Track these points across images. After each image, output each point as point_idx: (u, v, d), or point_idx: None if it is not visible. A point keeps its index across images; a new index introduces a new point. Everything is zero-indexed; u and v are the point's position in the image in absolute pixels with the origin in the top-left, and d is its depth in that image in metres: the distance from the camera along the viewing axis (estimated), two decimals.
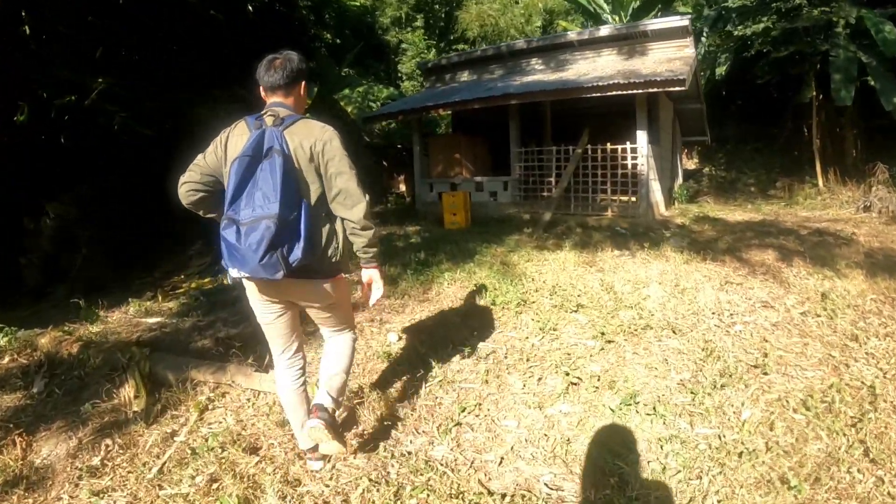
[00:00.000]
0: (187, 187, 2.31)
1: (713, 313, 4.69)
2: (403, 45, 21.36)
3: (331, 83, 14.45)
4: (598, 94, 8.63)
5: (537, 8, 18.49)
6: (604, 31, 10.30)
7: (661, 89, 8.26)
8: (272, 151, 2.13)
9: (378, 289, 2.51)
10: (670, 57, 9.73)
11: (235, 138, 2.26)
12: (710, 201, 12.54)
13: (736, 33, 10.96)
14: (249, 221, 2.07)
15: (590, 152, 9.34)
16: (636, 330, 4.36)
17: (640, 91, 8.36)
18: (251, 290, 2.37)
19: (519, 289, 5.48)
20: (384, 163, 15.12)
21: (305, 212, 2.15)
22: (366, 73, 18.90)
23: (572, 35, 10.52)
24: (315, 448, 2.54)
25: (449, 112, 12.55)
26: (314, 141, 2.23)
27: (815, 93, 11.35)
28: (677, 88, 8.21)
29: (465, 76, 12.02)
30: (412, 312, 5.06)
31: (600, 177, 9.28)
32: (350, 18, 19.83)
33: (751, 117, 14.13)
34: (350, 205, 2.27)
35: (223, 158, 2.27)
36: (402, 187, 14.15)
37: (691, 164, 16.03)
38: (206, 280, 7.22)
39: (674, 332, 4.32)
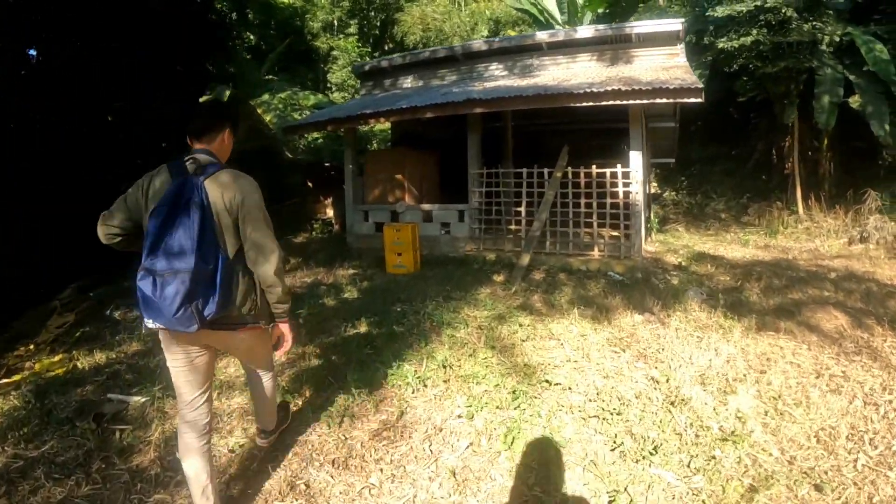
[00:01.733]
0: (107, 230, 2.22)
1: (847, 438, 2.93)
2: (335, 52, 18.77)
3: (248, 87, 11.71)
4: (586, 105, 6.53)
5: (484, 16, 16.54)
6: (581, 32, 8.28)
7: (671, 99, 6.26)
8: (191, 203, 2.04)
9: (287, 342, 2.50)
10: (662, 65, 7.84)
11: (157, 185, 2.15)
12: (681, 230, 10.85)
13: (720, 45, 9.36)
14: (165, 273, 1.99)
15: (570, 176, 7.23)
16: (758, 485, 2.55)
17: (645, 101, 6.32)
18: (167, 339, 2.23)
19: (537, 404, 3.17)
20: (309, 183, 12.44)
21: (222, 265, 2.08)
22: (292, 80, 16.20)
23: (542, 36, 8.44)
24: None
25: (388, 125, 10.19)
26: (233, 194, 2.14)
27: (795, 114, 9.93)
28: (692, 99, 6.26)
29: (408, 81, 9.67)
30: (360, 471, 2.74)
31: (584, 207, 7.17)
32: (278, 20, 17.09)
33: (716, 137, 12.67)
34: (262, 261, 2.21)
35: (144, 204, 2.16)
36: (330, 212, 11.54)
37: (650, 188, 14.46)
38: (58, 358, 4.63)
39: (816, 488, 2.53)
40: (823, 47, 9.85)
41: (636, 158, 7.06)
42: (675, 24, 7.88)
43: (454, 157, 11.03)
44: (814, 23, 9.32)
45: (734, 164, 12.41)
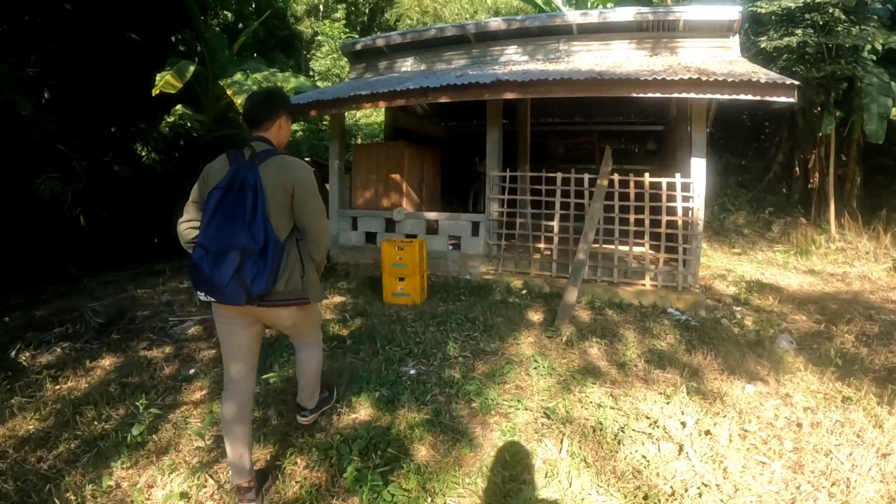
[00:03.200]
0: (187, 225, 2.29)
1: None
2: (319, 38, 16.73)
3: (219, 67, 9.70)
4: (643, 96, 4.92)
5: (485, 4, 14.82)
6: (619, 14, 6.64)
7: (758, 96, 4.66)
8: (245, 186, 2.08)
9: None
10: (714, 58, 6.32)
11: (216, 171, 2.22)
12: (704, 246, 9.44)
13: (762, 44, 7.96)
14: (218, 250, 2.05)
15: (617, 186, 5.62)
16: None
17: (726, 96, 4.72)
18: (218, 312, 2.30)
19: None
20: None
21: (272, 245, 2.10)
22: (271, 65, 14.18)
23: (572, 17, 6.77)
24: (245, 489, 2.27)
25: (377, 118, 8.38)
26: (286, 178, 2.17)
27: (834, 123, 8.58)
28: (783, 99, 4.70)
29: (408, 64, 7.87)
30: None
31: (633, 224, 5.58)
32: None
33: (729, 147, 11.30)
34: (314, 242, 2.30)
35: (205, 190, 2.20)
36: None
37: None
38: None
39: None
40: (865, 54, 8.56)
41: (698, 167, 5.47)
42: (730, 13, 6.32)
43: (456, 158, 9.32)
44: (861, 27, 8.00)
45: (750, 176, 11.06)
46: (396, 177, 6.85)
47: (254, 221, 2.04)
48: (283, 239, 2.17)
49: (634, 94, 4.96)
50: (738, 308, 5.52)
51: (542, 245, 5.89)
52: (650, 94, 4.88)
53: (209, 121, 9.89)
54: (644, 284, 5.52)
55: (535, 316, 4.81)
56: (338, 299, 5.42)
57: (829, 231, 9.05)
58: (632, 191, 5.57)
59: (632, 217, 5.55)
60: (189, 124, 9.64)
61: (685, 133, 6.92)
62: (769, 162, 10.77)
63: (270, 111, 2.29)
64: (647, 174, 5.62)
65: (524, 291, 5.48)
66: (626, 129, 8.93)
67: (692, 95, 4.84)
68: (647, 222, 5.55)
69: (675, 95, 4.85)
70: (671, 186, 5.51)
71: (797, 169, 10.25)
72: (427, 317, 4.72)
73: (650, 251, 5.74)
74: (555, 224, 5.74)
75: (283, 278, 2.16)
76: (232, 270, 2.00)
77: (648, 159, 9.49)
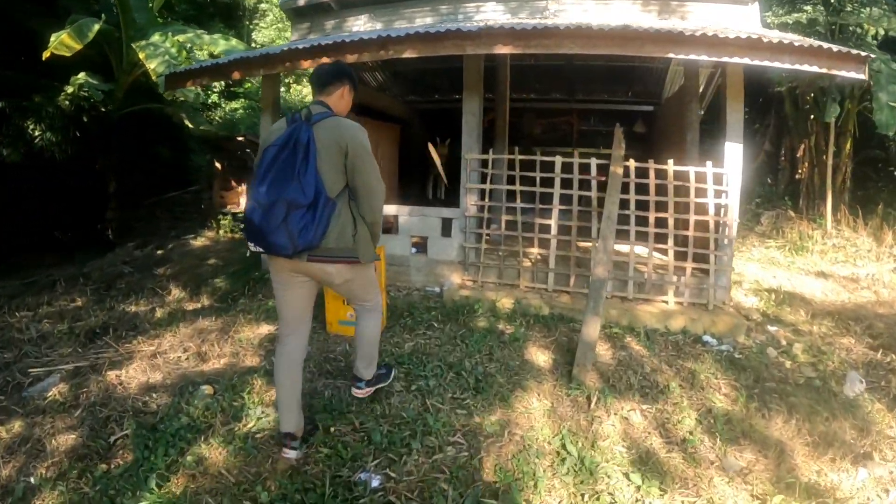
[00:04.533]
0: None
1: None
2: (263, 6, 14.51)
3: (134, 27, 7.60)
4: (692, 57, 3.53)
5: None
6: None
7: (826, 69, 3.42)
8: (299, 143, 2.05)
9: None
10: (734, 23, 4.99)
11: (275, 132, 2.19)
12: None
13: (768, 20, 6.76)
14: (268, 203, 2.02)
15: (632, 176, 4.22)
16: None
17: (786, 66, 3.38)
18: (273, 265, 2.25)
19: None
20: (217, 164, 8.58)
21: (322, 201, 2.06)
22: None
23: None
24: (291, 436, 2.26)
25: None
26: (339, 137, 2.13)
27: (838, 111, 7.51)
28: (853, 75, 3.47)
29: (360, 22, 6.13)
30: None
31: (653, 226, 4.20)
32: None
33: (710, 134, 10.19)
34: (367, 200, 2.23)
35: (265, 145, 2.18)
36: (244, 203, 7.86)
37: None
38: None
39: None
40: (869, 39, 7.53)
41: (733, 155, 4.14)
42: None
43: (414, 138, 7.71)
44: (872, 8, 6.94)
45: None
46: None
47: (304, 176, 2.01)
48: (335, 196, 2.12)
49: (672, 55, 3.54)
50: (774, 328, 4.25)
51: (534, 249, 4.40)
52: (690, 56, 3.47)
53: (122, 93, 7.79)
54: (666, 302, 4.16)
55: (541, 357, 3.32)
56: (264, 330, 3.77)
57: (824, 226, 8.05)
58: (651, 182, 4.17)
59: (651, 216, 4.16)
60: (94, 97, 7.57)
61: (683, 114, 5.64)
62: (755, 150, 9.74)
63: (336, 78, 2.27)
64: (670, 161, 4.23)
65: (516, 314, 3.99)
66: (611, 108, 7.58)
67: (744, 61, 3.46)
68: (670, 223, 4.17)
69: (726, 60, 3.45)
70: (699, 178, 4.15)
71: (784, 158, 9.24)
72: (389, 359, 3.16)
73: (666, 258, 4.38)
74: (552, 222, 4.25)
75: (332, 234, 2.11)
76: (278, 222, 1.98)
77: (633, 144, 8.18)
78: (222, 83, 12.39)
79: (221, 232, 7.76)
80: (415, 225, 4.74)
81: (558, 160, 4.29)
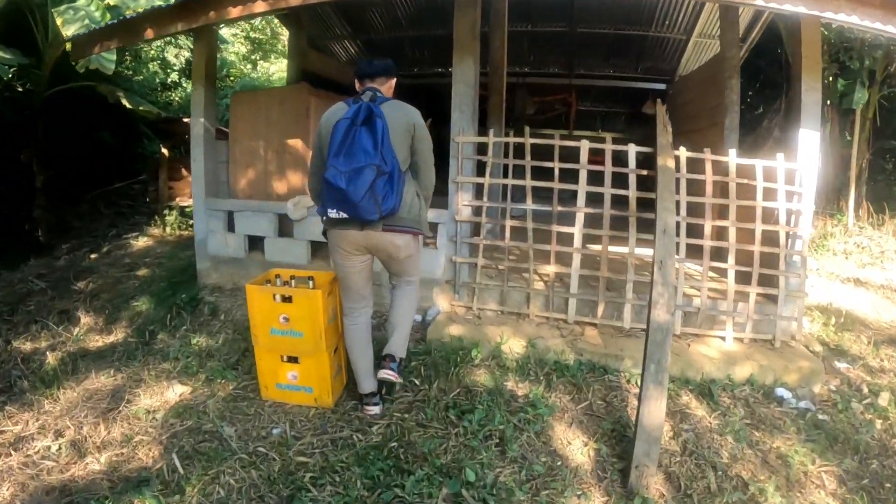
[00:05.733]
0: (315, 183, 2.28)
1: None
2: None
3: None
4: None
5: None
6: None
7: None
8: (373, 117, 2.07)
9: None
10: None
11: (334, 112, 2.19)
12: None
13: None
14: (352, 170, 2.00)
15: (684, 169, 3.06)
16: None
17: None
18: (339, 240, 2.23)
19: None
20: (164, 150, 7.11)
21: (397, 171, 2.09)
22: None
23: None
24: (372, 394, 2.37)
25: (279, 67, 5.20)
26: (405, 117, 2.18)
27: (867, 97, 6.44)
28: None
29: None
30: None
31: (711, 236, 3.03)
32: None
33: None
34: (427, 173, 2.31)
35: (326, 130, 2.17)
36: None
37: None
38: None
39: None
40: None
41: (809, 145, 2.98)
42: None
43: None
44: None
45: (741, 152, 8.89)
46: (297, 144, 3.86)
47: (383, 146, 2.03)
48: (404, 170, 2.15)
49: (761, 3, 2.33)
50: (844, 366, 3.17)
51: (550, 268, 3.19)
52: (784, 7, 2.27)
53: (47, 71, 6.21)
54: (724, 339, 3.02)
55: (577, 444, 2.13)
56: (174, 393, 2.51)
57: (844, 223, 7.04)
58: (709, 179, 3.00)
59: (708, 224, 2.99)
60: (8, 75, 6.00)
61: (715, 93, 4.47)
62: (760, 138, 8.66)
63: (388, 72, 2.29)
64: (732, 151, 3.06)
65: (530, 362, 2.79)
66: (614, 84, 6.35)
67: (852, 20, 2.29)
68: (732, 234, 3.01)
69: (829, 16, 2.27)
70: (769, 175, 2.99)
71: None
72: (353, 463, 1.95)
73: (720, 279, 3.24)
74: (576, 231, 3.07)
75: (405, 206, 2.15)
76: (367, 185, 1.97)
77: (634, 128, 7.01)
78: (182, 59, 10.70)
79: (168, 229, 6.37)
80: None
81: (584, 145, 3.05)
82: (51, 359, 3.03)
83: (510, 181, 3.07)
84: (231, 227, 3.84)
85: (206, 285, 3.80)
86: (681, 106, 5.68)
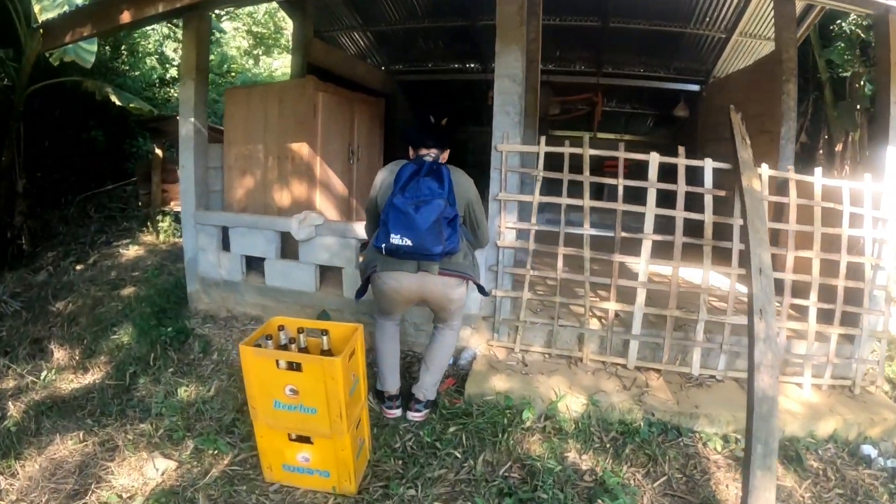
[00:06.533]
0: (372, 226, 2.27)
1: None
2: None
3: None
4: None
5: None
6: None
7: None
8: (439, 170, 2.02)
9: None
10: None
11: (393, 167, 2.11)
12: None
13: None
14: (421, 201, 1.94)
15: (769, 189, 2.49)
16: None
17: None
18: (391, 289, 2.11)
19: None
20: (157, 150, 6.45)
21: (457, 221, 2.03)
22: None
23: None
24: (395, 396, 2.31)
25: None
26: (466, 184, 2.14)
27: None
28: None
29: None
30: None
31: (791, 270, 2.48)
32: None
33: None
34: (481, 232, 2.25)
35: (386, 183, 2.11)
36: None
37: None
38: None
39: None
40: None
41: None
42: None
43: (399, 119, 5.85)
44: None
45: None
46: (302, 149, 3.26)
47: (450, 192, 1.99)
48: (461, 226, 2.12)
49: None
50: None
51: (611, 304, 2.60)
52: None
53: (30, 65, 5.51)
54: (801, 385, 2.48)
55: None
56: (160, 465, 1.92)
57: None
58: (792, 203, 2.43)
59: (791, 256, 2.43)
60: None
61: (766, 99, 3.94)
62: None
63: (445, 145, 2.20)
64: (817, 170, 2.49)
65: (591, 424, 2.21)
66: (643, 85, 5.77)
67: None
68: (815, 266, 2.45)
69: None
70: (854, 197, 2.42)
71: (821, 152, 7.60)
72: None
73: (820, 326, 2.68)
74: (642, 262, 2.50)
75: (462, 251, 2.11)
76: (436, 214, 1.92)
77: (661, 130, 6.42)
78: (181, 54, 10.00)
79: (161, 236, 5.75)
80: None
81: (654, 159, 2.47)
82: (13, 410, 2.43)
83: (564, 200, 2.48)
84: (225, 245, 3.23)
85: (196, 311, 3.19)
86: (719, 109, 5.11)
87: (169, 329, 2.84)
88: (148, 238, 5.79)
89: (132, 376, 2.62)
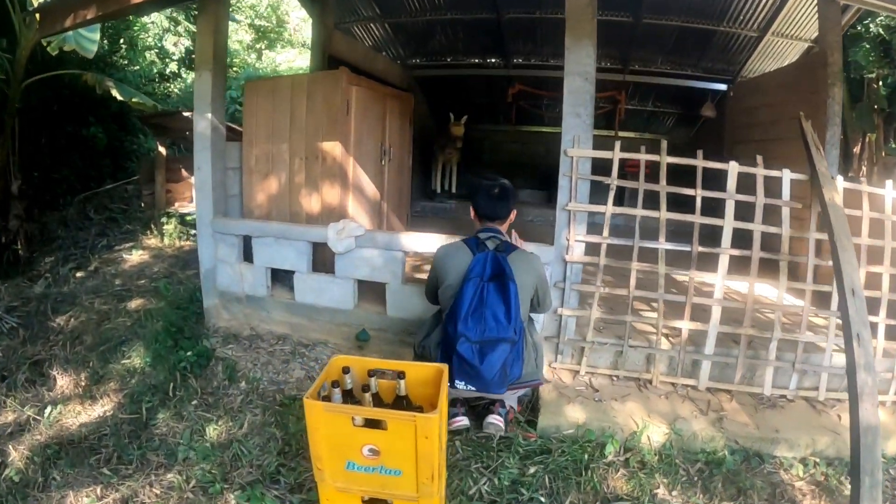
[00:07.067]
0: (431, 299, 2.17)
1: None
2: None
3: None
4: None
5: None
6: None
7: None
8: (504, 277, 1.87)
9: None
10: None
11: (457, 259, 1.97)
12: None
13: None
14: (484, 341, 1.83)
15: (842, 204, 2.18)
16: None
17: None
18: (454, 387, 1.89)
19: None
20: (161, 148, 6.02)
21: (521, 334, 1.91)
22: None
23: None
24: (460, 401, 2.05)
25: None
26: (532, 271, 1.99)
27: None
28: None
29: None
30: None
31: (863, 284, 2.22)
32: None
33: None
34: (541, 311, 2.12)
35: (446, 272, 1.98)
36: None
37: None
38: None
39: None
40: None
41: None
42: None
43: (416, 116, 5.53)
44: None
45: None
46: (335, 148, 2.91)
47: (510, 311, 1.84)
48: (526, 325, 2.01)
49: None
50: None
51: (684, 323, 2.29)
52: None
53: (25, 57, 5.02)
54: (885, 402, 2.25)
55: None
56: None
57: None
58: (865, 216, 2.17)
59: (863, 271, 2.16)
60: None
61: (807, 100, 3.71)
62: None
63: (508, 209, 2.07)
64: (888, 183, 2.23)
65: (676, 456, 1.93)
66: (668, 83, 5.47)
67: None
68: (885, 281, 2.20)
69: None
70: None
71: (839, 154, 7.39)
72: None
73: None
74: (718, 278, 2.20)
75: (527, 365, 1.98)
76: (501, 363, 1.81)
77: (681, 130, 6.15)
78: (181, 48, 9.42)
79: (167, 240, 5.34)
80: None
81: (733, 168, 2.18)
82: (15, 455, 2.06)
83: (640, 211, 2.18)
84: (248, 256, 2.88)
85: (216, 329, 2.84)
86: (748, 111, 4.84)
87: (188, 353, 2.48)
88: (152, 241, 5.39)
89: (149, 410, 2.27)
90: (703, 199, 2.30)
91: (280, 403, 2.19)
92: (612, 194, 2.18)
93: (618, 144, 2.19)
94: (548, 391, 2.20)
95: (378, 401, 1.43)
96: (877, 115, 6.58)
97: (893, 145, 6.88)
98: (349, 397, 1.42)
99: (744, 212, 2.30)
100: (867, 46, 5.94)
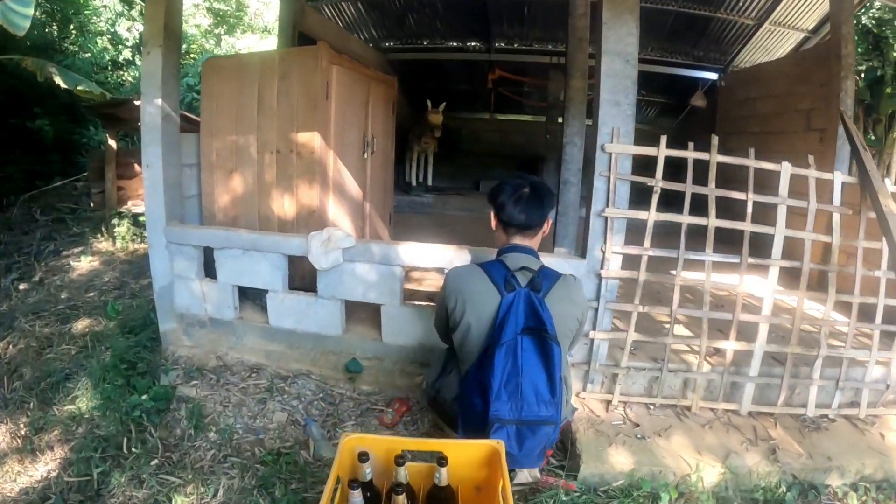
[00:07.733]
0: (450, 378, 1.64)
1: None
2: None
3: None
4: None
5: None
6: None
7: None
8: (545, 334, 1.40)
9: None
10: None
11: (479, 295, 1.47)
12: None
13: None
14: (522, 421, 1.40)
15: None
16: None
17: None
18: None
19: None
20: (111, 141, 5.24)
21: (560, 394, 1.45)
22: None
23: None
24: None
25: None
26: (578, 309, 1.55)
27: None
28: None
29: None
30: None
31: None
32: None
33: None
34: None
35: (461, 310, 1.49)
36: None
37: None
38: None
39: None
40: None
41: None
42: None
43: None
44: None
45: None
46: (312, 140, 2.40)
47: (554, 382, 1.41)
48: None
49: None
50: None
51: (729, 343, 1.94)
52: None
53: None
54: None
55: None
56: None
57: None
58: None
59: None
60: None
61: (799, 94, 3.51)
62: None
63: (543, 215, 1.55)
64: None
65: (732, 499, 1.63)
66: (661, 71, 5.09)
67: None
68: None
69: None
70: None
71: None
72: None
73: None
74: (767, 292, 1.86)
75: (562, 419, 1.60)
76: (542, 447, 1.45)
77: (666, 119, 5.87)
78: (135, 34, 8.40)
79: (119, 243, 4.68)
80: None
81: (786, 169, 1.84)
82: None
83: (686, 218, 1.80)
84: (210, 271, 2.37)
85: (175, 360, 2.30)
86: (743, 102, 4.58)
87: (143, 396, 1.97)
88: (103, 245, 4.70)
89: (101, 475, 1.76)
90: (718, 198, 1.95)
91: (261, 461, 1.72)
92: (655, 198, 1.79)
93: (663, 139, 1.79)
94: (583, 429, 1.82)
95: (412, 496, 1.01)
96: (857, 105, 6.52)
97: (872, 137, 6.86)
98: (368, 490, 0.99)
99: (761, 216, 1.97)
100: (857, 39, 5.82)
